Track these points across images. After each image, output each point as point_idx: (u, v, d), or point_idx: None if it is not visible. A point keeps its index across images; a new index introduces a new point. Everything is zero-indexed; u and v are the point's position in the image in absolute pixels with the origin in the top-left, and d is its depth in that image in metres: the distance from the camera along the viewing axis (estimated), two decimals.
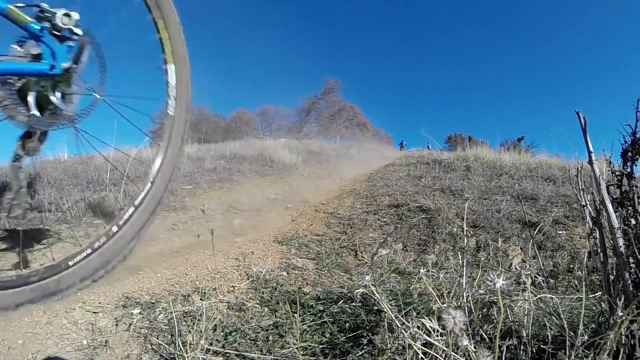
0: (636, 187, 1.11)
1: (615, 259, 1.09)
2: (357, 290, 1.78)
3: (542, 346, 1.11)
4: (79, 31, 1.36)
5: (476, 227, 3.04)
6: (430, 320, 0.92)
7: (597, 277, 1.58)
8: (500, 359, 1.06)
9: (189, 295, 1.88)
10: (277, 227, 3.36)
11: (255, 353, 1.40)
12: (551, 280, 2.16)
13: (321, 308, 1.77)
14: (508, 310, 1.25)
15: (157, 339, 1.48)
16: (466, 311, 1.16)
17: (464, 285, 1.26)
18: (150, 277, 2.11)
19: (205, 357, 1.35)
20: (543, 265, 2.36)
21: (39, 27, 1.23)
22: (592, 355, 0.94)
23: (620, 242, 1.06)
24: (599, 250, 1.15)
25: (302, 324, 1.60)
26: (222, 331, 1.54)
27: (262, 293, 1.96)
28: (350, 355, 1.36)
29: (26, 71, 1.22)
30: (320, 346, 1.44)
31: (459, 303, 1.27)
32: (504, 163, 6.20)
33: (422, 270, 1.12)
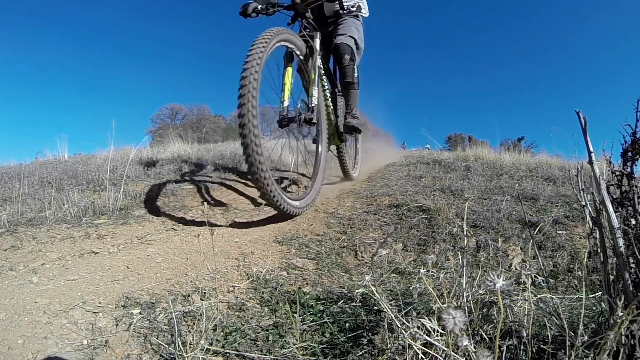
0: (636, 187, 1.11)
1: (615, 259, 1.09)
2: (357, 290, 1.78)
3: (542, 346, 1.11)
4: None
5: (476, 227, 3.04)
6: (430, 320, 0.92)
7: (597, 277, 1.58)
8: (500, 359, 1.06)
9: (189, 295, 1.88)
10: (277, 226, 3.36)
11: (255, 353, 1.40)
12: (551, 280, 2.16)
13: (321, 308, 1.76)
14: (508, 310, 1.25)
15: (157, 339, 1.48)
16: (466, 311, 1.16)
17: (464, 285, 1.26)
18: (150, 277, 2.11)
19: (205, 357, 1.35)
20: (543, 265, 2.36)
21: None
22: (592, 355, 0.94)
23: (620, 242, 1.06)
24: (599, 250, 1.15)
25: (302, 324, 1.60)
26: (222, 331, 1.54)
27: (262, 293, 1.96)
28: (350, 355, 1.36)
29: None
30: (320, 346, 1.44)
31: (459, 303, 1.27)
32: (504, 163, 6.19)
33: (422, 270, 1.12)
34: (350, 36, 3.11)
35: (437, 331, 0.93)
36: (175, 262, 2.38)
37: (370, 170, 7.37)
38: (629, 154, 1.13)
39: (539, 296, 1.17)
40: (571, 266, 2.42)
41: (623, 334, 0.91)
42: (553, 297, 1.13)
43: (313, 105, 2.76)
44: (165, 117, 28.09)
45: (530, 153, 8.55)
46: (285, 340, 1.48)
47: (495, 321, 1.20)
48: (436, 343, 0.91)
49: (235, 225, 3.44)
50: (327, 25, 3.25)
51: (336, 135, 3.87)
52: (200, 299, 1.84)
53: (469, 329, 1.09)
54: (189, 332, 1.53)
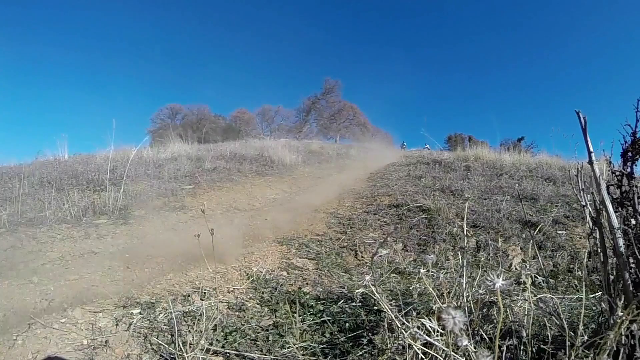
0: (636, 187, 1.11)
1: (615, 259, 1.09)
2: (357, 290, 1.78)
3: (542, 346, 1.11)
4: None
5: (476, 227, 3.04)
6: (430, 320, 0.92)
7: (597, 277, 1.58)
8: (500, 359, 1.06)
9: (189, 295, 1.88)
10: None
11: (255, 353, 1.40)
12: (551, 280, 2.16)
13: (321, 308, 1.77)
14: (508, 310, 1.25)
15: (157, 338, 1.48)
16: (466, 311, 1.16)
17: (464, 285, 1.26)
18: (150, 277, 2.11)
19: (205, 357, 1.35)
20: (543, 265, 2.36)
21: None
22: (592, 355, 0.94)
23: (620, 242, 1.06)
24: (599, 250, 1.15)
25: (302, 324, 1.60)
26: (222, 331, 1.54)
27: (262, 293, 1.96)
28: (350, 355, 1.36)
29: None
30: (320, 346, 1.44)
31: (459, 303, 1.27)
32: (504, 163, 6.20)
33: (422, 270, 1.12)
34: None
35: (437, 331, 0.93)
36: (175, 262, 2.38)
37: (370, 170, 7.37)
38: (629, 154, 1.13)
39: (539, 296, 1.17)
40: (571, 266, 2.42)
41: (623, 334, 0.91)
42: (553, 297, 1.13)
43: None
44: (165, 117, 28.22)
45: (530, 153, 8.55)
46: (285, 340, 1.48)
47: (495, 321, 1.20)
48: (436, 343, 0.91)
49: (235, 225, 3.44)
50: None
51: None
52: (200, 299, 1.84)
53: (469, 329, 1.09)
54: (189, 332, 1.53)
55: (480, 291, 1.21)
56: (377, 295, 1.07)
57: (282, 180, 5.90)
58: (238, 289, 2.00)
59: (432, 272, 1.28)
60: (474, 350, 0.85)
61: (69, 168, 5.35)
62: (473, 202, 3.72)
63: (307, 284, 2.15)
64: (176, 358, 1.34)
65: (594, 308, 1.51)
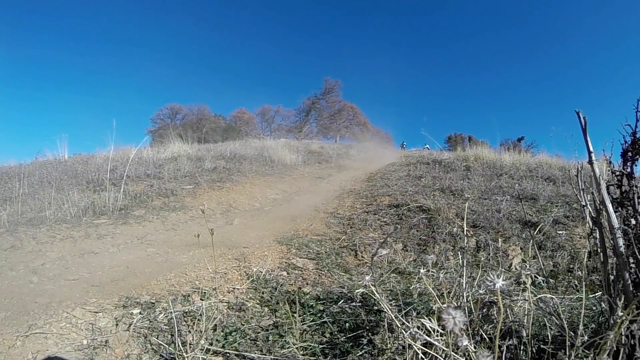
0: (636, 187, 1.11)
1: (615, 259, 1.09)
2: (357, 290, 1.78)
3: (542, 346, 1.11)
4: None
5: (476, 227, 3.04)
6: (430, 320, 0.92)
7: (597, 277, 1.58)
8: (500, 359, 1.06)
9: (189, 295, 1.88)
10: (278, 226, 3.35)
11: (255, 353, 1.40)
12: (551, 280, 2.16)
13: (321, 308, 1.77)
14: (508, 310, 1.25)
15: (157, 339, 1.48)
16: (466, 311, 1.16)
17: (464, 285, 1.26)
18: (150, 277, 2.11)
19: (205, 357, 1.35)
20: (543, 265, 2.36)
21: None
22: (592, 355, 0.94)
23: (620, 242, 1.06)
24: (599, 250, 1.15)
25: (302, 324, 1.60)
26: (222, 331, 1.54)
27: (262, 293, 1.96)
28: (350, 355, 1.36)
29: None
30: (320, 346, 1.44)
31: (459, 303, 1.27)
32: (504, 163, 6.20)
33: (422, 270, 1.12)
34: None
35: (437, 331, 0.94)
36: (175, 262, 2.38)
37: (370, 170, 7.36)
38: (629, 154, 1.13)
39: (539, 296, 1.17)
40: (571, 266, 2.42)
41: (623, 334, 0.91)
42: (553, 297, 1.13)
43: None
44: (165, 117, 28.27)
45: (530, 153, 8.56)
46: (285, 340, 1.48)
47: (495, 321, 1.20)
48: (436, 343, 0.91)
49: (235, 225, 3.44)
50: None
51: None
52: (200, 299, 1.84)
53: (469, 329, 1.09)
54: (189, 332, 1.53)
55: (480, 291, 1.20)
56: (377, 295, 1.07)
57: (282, 180, 5.90)
58: (238, 289, 2.00)
59: (432, 272, 1.28)
60: (474, 350, 0.85)
61: (69, 168, 5.36)
62: (473, 202, 3.72)
63: (307, 284, 2.15)
64: (176, 358, 1.34)
65: (594, 308, 1.51)
